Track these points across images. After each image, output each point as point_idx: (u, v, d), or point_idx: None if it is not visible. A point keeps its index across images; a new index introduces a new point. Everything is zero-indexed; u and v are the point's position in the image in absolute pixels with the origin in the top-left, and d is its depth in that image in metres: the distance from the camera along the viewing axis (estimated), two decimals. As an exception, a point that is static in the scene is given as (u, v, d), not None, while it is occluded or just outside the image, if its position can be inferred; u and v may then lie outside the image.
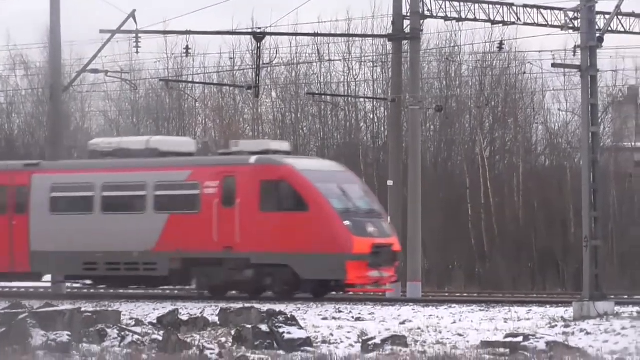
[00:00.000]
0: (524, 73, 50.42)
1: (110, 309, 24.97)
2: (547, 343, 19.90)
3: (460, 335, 21.78)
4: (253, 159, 29.32)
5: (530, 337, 20.29)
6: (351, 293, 29.54)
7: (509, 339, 20.39)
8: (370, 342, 20.73)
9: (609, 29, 25.64)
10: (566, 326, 22.12)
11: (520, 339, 20.25)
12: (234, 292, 30.25)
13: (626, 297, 28.65)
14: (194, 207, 29.66)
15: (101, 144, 32.47)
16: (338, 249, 27.89)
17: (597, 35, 24.00)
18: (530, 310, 25.27)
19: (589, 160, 23.99)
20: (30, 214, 31.27)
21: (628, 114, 53.74)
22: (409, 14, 36.38)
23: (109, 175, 30.80)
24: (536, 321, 23.17)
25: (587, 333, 21.29)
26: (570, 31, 28.18)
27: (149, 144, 31.65)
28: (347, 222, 27.99)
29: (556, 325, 22.36)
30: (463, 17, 37.09)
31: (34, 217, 31.21)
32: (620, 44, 37.10)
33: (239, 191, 28.93)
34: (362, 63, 53.07)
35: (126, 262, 30.19)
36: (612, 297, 25.13)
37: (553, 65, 30.75)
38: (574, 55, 27.91)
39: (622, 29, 35.65)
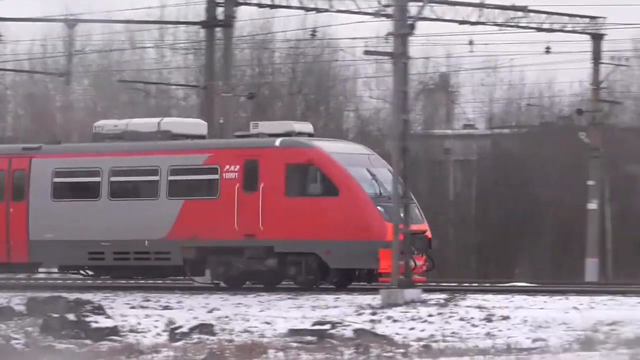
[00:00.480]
0: (337, 60, 50.37)
1: None
2: (355, 330, 19.90)
3: (268, 323, 21.56)
4: (278, 141, 27.82)
5: (338, 325, 20.22)
6: (249, 283, 28.71)
7: (316, 327, 20.29)
8: (177, 331, 20.59)
9: (421, 16, 25.61)
10: (373, 314, 22.18)
11: (327, 326, 20.18)
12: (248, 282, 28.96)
13: (434, 284, 28.79)
14: (212, 192, 28.13)
15: (107, 126, 30.27)
16: (370, 236, 26.33)
17: (409, 22, 24.05)
18: (339, 298, 24.84)
19: (400, 147, 24.07)
20: (29, 200, 29.43)
21: (438, 101, 54.77)
22: (222, 1, 35.85)
23: (118, 159, 29.12)
24: (344, 309, 23.01)
25: (394, 320, 21.41)
26: (383, 18, 28.05)
27: (161, 125, 29.62)
28: (379, 208, 26.58)
29: (363, 313, 22.36)
30: (277, 4, 36.82)
31: (33, 204, 29.39)
32: (431, 31, 37.42)
33: (262, 175, 27.50)
34: (175, 50, 52.19)
35: (136, 252, 28.58)
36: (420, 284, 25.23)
37: (365, 52, 30.80)
38: (386, 42, 27.77)
39: (434, 17, 36.03)
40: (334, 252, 26.48)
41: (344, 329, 19.93)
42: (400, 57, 23.88)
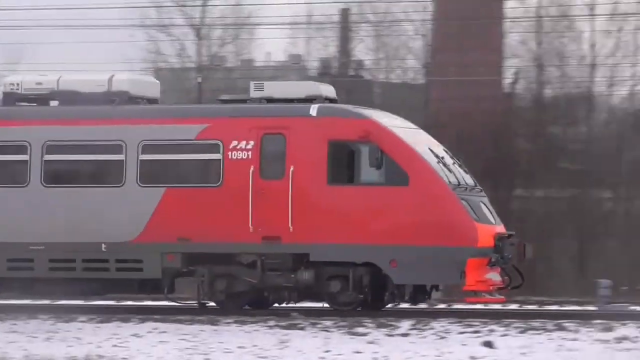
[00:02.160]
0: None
1: None
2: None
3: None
4: (314, 108, 20.38)
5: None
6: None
7: None
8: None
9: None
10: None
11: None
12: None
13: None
14: (210, 177, 20.63)
15: (25, 84, 22.17)
16: (457, 240, 19.53)
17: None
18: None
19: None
20: None
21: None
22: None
23: (56, 130, 21.27)
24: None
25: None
26: None
27: (113, 84, 21.64)
28: (464, 203, 19.89)
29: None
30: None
31: None
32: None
33: (292, 156, 20.15)
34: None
35: (86, 259, 20.91)
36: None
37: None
38: None
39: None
40: (400, 261, 19.49)
41: None
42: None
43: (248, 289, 20.39)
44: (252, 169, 20.20)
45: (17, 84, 22.24)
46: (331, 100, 21.24)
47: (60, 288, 21.66)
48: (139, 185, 20.75)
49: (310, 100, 20.57)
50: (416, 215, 19.65)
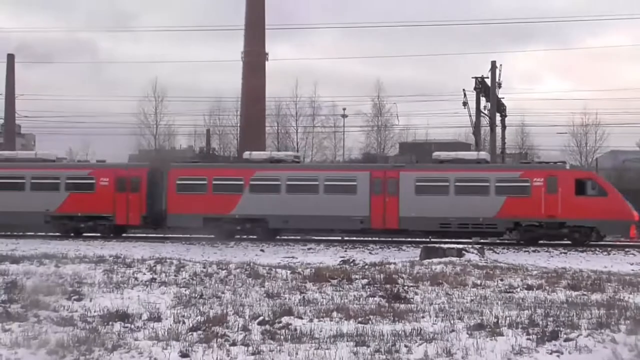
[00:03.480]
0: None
1: None
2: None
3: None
4: (568, 165, 48.61)
5: None
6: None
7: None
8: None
9: None
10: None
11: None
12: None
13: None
14: (526, 193, 44.21)
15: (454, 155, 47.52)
16: (628, 217, 43.16)
17: None
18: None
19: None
20: (399, 194, 44.96)
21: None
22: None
23: (460, 174, 45.04)
24: None
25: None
26: None
27: (480, 155, 48.57)
28: (629, 203, 43.57)
29: None
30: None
31: (402, 196, 44.83)
32: None
33: (559, 184, 43.88)
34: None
35: (474, 224, 44.55)
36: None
37: None
38: None
39: None
40: (604, 226, 43.92)
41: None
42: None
43: (539, 236, 45.13)
44: (543, 189, 44.32)
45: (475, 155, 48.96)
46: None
47: (461, 235, 45.58)
48: (495, 195, 44.93)
49: (563, 162, 48.94)
50: (611, 208, 42.98)
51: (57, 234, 47.95)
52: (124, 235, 49.18)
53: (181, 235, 45.96)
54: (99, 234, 47.54)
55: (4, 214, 47.56)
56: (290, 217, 45.53)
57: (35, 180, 48.05)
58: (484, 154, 50.15)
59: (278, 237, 47.38)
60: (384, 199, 45.05)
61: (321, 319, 16.63)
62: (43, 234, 48.53)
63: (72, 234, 47.91)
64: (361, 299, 19.72)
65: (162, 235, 48.19)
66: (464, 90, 59.08)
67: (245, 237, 46.25)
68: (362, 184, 45.50)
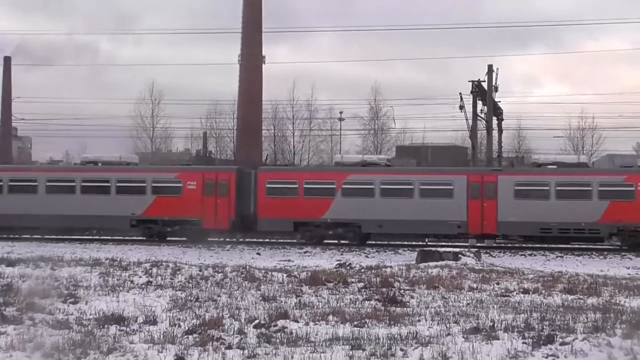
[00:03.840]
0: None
1: None
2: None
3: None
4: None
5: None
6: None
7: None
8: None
9: None
10: None
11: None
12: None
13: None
14: (630, 197, 42.96)
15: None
16: None
17: None
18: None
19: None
20: (497, 199, 43.89)
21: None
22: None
23: (561, 178, 44.02)
24: None
25: None
26: None
27: (580, 159, 48.60)
28: None
29: None
30: None
31: (501, 200, 43.87)
32: None
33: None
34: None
35: (575, 229, 43.29)
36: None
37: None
38: None
39: None
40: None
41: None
42: None
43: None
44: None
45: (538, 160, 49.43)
46: None
47: (557, 242, 45.28)
48: (598, 200, 43.39)
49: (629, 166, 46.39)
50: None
51: (142, 238, 47.60)
52: (118, 238, 49.00)
53: (178, 239, 46.02)
54: (184, 238, 46.71)
55: (89, 218, 46.98)
56: (384, 221, 44.56)
57: (120, 184, 47.41)
58: (584, 158, 49.40)
59: (368, 242, 46.44)
60: (482, 204, 44.10)
61: (317, 322, 16.70)
62: (121, 237, 48.73)
63: (156, 239, 47.28)
64: (357, 303, 19.77)
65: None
66: (460, 93, 59.14)
67: (335, 241, 45.58)
68: (459, 188, 44.45)
